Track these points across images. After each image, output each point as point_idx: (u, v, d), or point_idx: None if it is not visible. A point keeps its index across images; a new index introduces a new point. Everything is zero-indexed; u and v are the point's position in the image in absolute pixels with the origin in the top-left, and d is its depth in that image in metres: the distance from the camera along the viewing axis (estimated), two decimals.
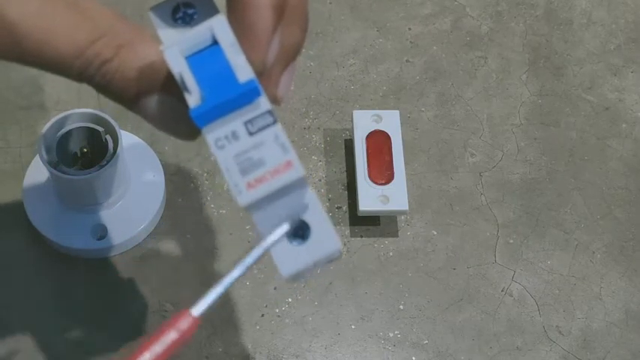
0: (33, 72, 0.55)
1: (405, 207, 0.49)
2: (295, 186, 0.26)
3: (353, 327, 0.48)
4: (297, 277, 0.28)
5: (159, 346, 0.22)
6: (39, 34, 0.24)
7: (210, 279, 0.49)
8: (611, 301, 0.50)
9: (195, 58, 0.26)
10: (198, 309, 0.23)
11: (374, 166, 0.50)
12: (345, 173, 0.53)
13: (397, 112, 0.53)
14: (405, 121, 0.53)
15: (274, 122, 0.26)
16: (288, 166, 0.26)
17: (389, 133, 0.51)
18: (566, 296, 0.50)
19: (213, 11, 0.27)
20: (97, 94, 0.27)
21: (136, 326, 0.47)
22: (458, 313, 0.49)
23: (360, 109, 0.54)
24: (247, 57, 0.26)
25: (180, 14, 0.27)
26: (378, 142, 0.51)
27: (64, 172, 0.45)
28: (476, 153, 0.55)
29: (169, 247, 0.50)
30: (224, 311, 0.48)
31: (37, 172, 0.49)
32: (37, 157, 0.45)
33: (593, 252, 0.52)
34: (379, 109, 0.54)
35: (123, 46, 0.25)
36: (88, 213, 0.48)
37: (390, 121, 0.52)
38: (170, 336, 0.23)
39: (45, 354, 0.46)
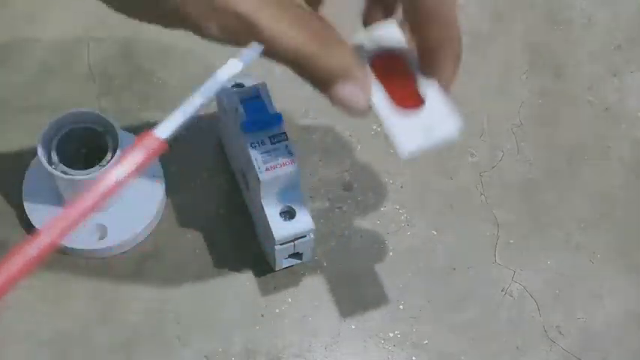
0: (34, 73, 0.55)
1: (456, 129, 0.37)
2: (293, 175, 0.43)
3: (353, 327, 0.48)
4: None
5: (126, 166, 0.26)
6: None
7: (210, 279, 0.49)
8: (611, 301, 0.50)
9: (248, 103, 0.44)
10: (162, 132, 0.27)
11: (398, 94, 0.37)
12: (346, 173, 0.53)
13: (393, 22, 0.39)
14: None
15: (286, 138, 0.43)
16: (291, 163, 0.43)
17: (396, 49, 0.38)
18: (566, 296, 0.50)
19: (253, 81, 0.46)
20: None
21: (136, 326, 0.47)
22: (458, 313, 0.49)
23: None
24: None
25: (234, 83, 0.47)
26: (389, 62, 0.38)
27: (64, 172, 0.45)
28: (476, 153, 0.55)
29: (170, 246, 0.50)
30: (224, 311, 0.48)
31: (37, 172, 0.49)
32: (37, 158, 0.46)
33: (593, 252, 0.52)
34: None
35: None
36: None
37: (391, 36, 0.38)
38: (137, 155, 0.26)
39: (45, 354, 0.46)
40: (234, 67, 0.30)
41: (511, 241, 0.52)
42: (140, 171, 0.26)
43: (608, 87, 0.58)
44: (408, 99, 0.37)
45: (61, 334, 0.47)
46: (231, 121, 0.46)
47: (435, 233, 0.52)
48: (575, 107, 0.57)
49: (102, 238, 0.48)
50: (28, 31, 0.57)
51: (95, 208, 0.25)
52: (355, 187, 0.52)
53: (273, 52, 0.31)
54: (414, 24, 0.36)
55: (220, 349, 0.47)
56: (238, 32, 0.30)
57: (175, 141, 0.53)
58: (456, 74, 0.37)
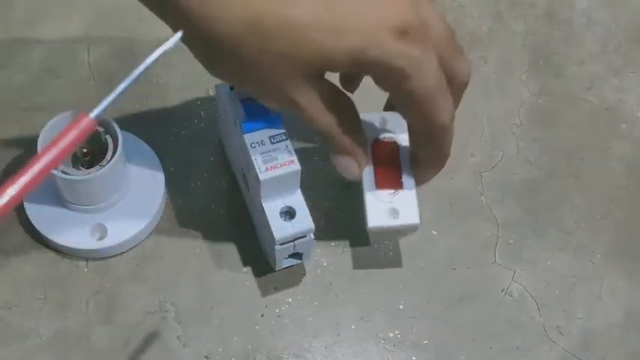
0: (34, 73, 0.55)
1: (416, 220, 0.46)
2: (293, 174, 0.43)
3: (353, 327, 0.48)
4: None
5: (63, 143, 0.31)
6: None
7: (210, 279, 0.49)
8: (611, 301, 0.50)
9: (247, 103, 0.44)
10: (95, 113, 0.31)
11: (382, 177, 0.47)
12: None
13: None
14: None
15: (286, 139, 0.43)
16: (291, 163, 0.43)
17: (396, 139, 0.48)
18: (566, 296, 0.50)
19: None
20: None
21: (136, 326, 0.47)
22: (458, 313, 0.49)
23: (361, 110, 0.54)
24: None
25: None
26: (385, 150, 0.48)
27: (64, 172, 0.45)
28: (476, 153, 0.55)
29: (169, 246, 0.50)
30: (224, 311, 0.48)
31: None
32: None
33: (593, 252, 0.52)
34: (380, 110, 0.54)
35: None
36: (88, 213, 0.48)
37: (396, 125, 0.48)
38: (72, 134, 0.31)
39: (45, 354, 0.46)
40: (158, 52, 0.34)
41: (511, 241, 0.52)
42: (75, 146, 0.31)
43: (608, 87, 0.58)
44: (389, 183, 0.46)
45: (61, 334, 0.47)
46: (231, 121, 0.46)
47: (435, 233, 0.52)
48: (575, 107, 0.57)
49: (102, 238, 0.48)
50: (29, 31, 0.58)
51: (36, 181, 0.30)
52: (355, 187, 0.52)
53: (309, 125, 0.41)
54: (415, 139, 0.45)
55: (220, 349, 0.47)
56: (289, 109, 0.41)
57: (175, 141, 0.53)
58: (430, 179, 0.47)
